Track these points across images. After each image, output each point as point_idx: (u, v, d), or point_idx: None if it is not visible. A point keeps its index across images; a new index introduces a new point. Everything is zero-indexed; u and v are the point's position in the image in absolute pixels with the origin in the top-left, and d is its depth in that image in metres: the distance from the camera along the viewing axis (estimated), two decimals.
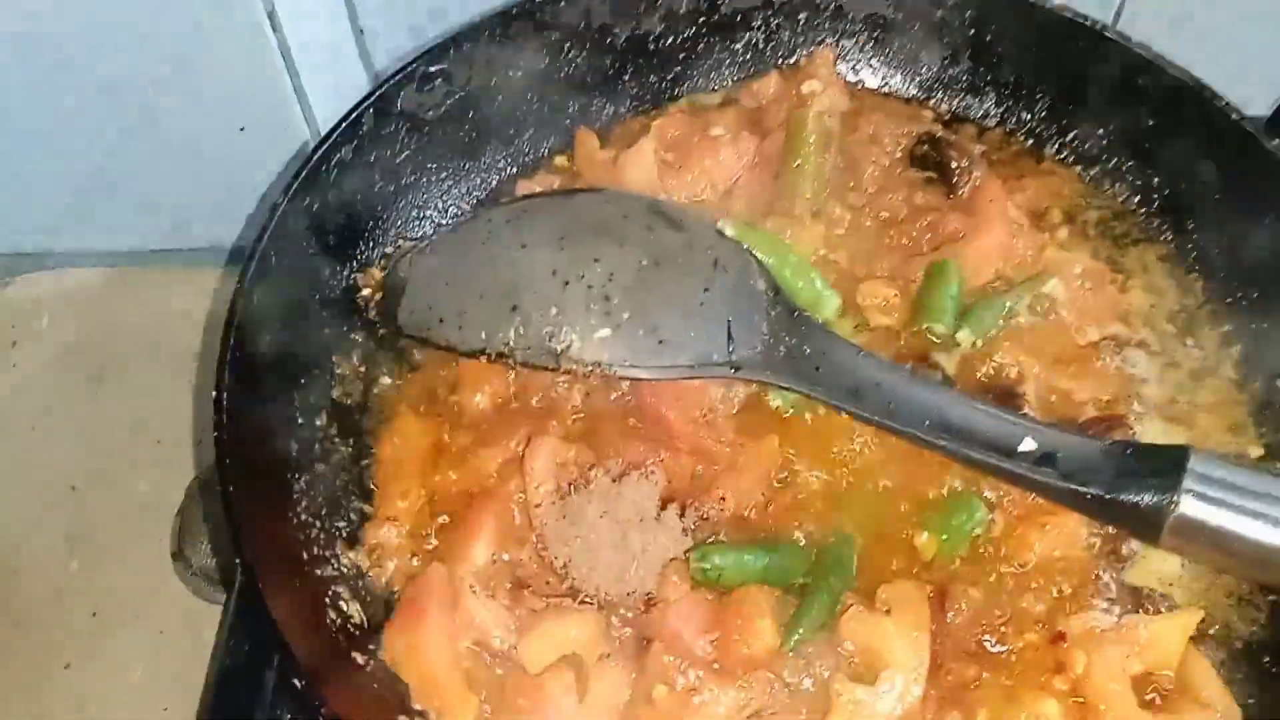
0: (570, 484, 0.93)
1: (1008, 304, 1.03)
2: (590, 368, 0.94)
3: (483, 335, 0.96)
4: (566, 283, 0.96)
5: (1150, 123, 1.11)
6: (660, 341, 0.94)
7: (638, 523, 0.91)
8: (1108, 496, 0.83)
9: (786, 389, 0.95)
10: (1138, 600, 0.88)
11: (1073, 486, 0.84)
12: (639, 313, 0.95)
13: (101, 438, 1.40)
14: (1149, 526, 0.81)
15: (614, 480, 0.93)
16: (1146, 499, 0.80)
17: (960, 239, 1.06)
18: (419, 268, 1.03)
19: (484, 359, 0.97)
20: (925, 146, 1.14)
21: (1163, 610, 0.87)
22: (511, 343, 0.95)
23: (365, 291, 1.07)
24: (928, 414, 0.91)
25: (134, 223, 1.48)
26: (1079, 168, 1.17)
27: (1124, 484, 0.82)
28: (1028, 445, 0.87)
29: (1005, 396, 0.97)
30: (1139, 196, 1.14)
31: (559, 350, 0.94)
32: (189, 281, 1.50)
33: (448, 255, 1.03)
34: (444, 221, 1.14)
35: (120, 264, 1.52)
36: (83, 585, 1.30)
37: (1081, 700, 0.84)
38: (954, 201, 1.10)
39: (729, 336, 0.95)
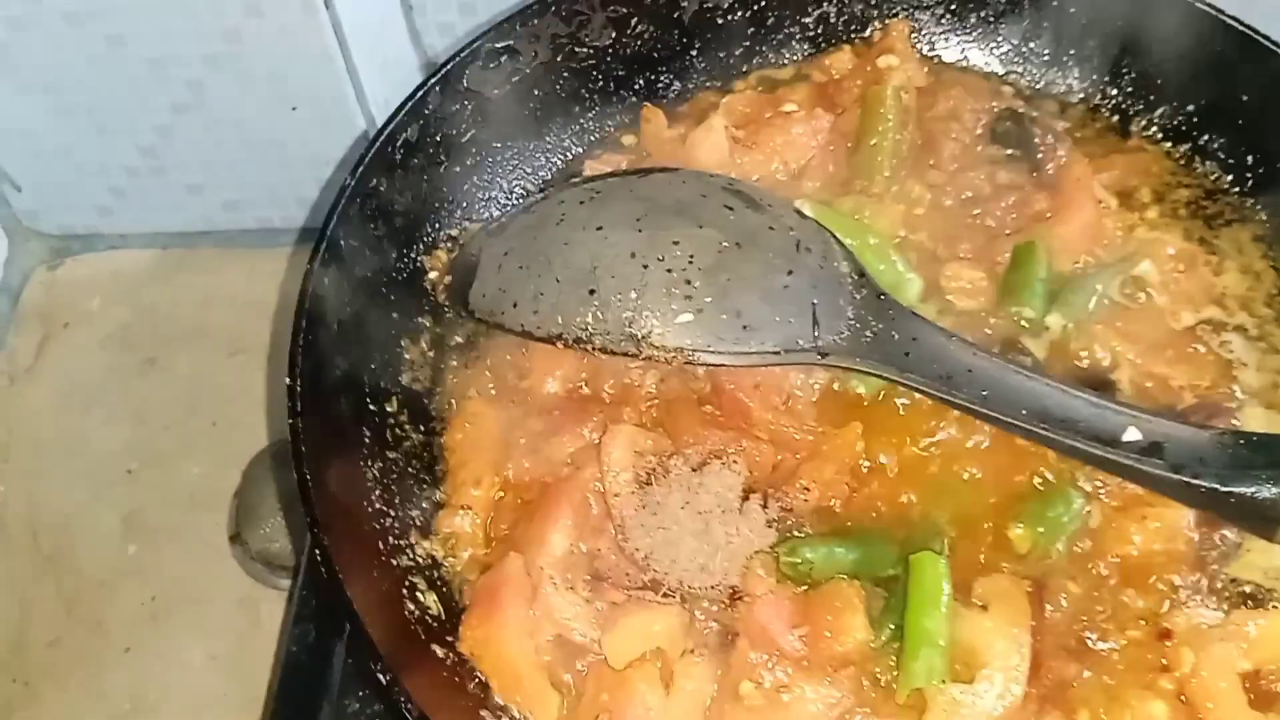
0: (649, 473, 0.91)
1: (1098, 287, 0.99)
2: (672, 354, 0.91)
3: (559, 320, 0.93)
4: (646, 266, 0.92)
5: (1243, 97, 1.06)
6: (744, 326, 0.91)
7: (720, 514, 0.88)
8: (1222, 490, 0.79)
9: (874, 375, 0.92)
10: (1244, 595, 0.85)
11: (1183, 479, 0.81)
12: (721, 296, 0.91)
13: (156, 420, 1.39)
14: (1266, 521, 0.78)
15: (694, 470, 0.91)
16: (1266, 492, 0.77)
17: (1046, 219, 1.02)
18: (490, 249, 1.00)
19: (560, 345, 0.94)
20: (1007, 123, 1.10)
21: (1270, 606, 0.84)
22: (590, 328, 0.92)
23: (432, 275, 1.04)
24: (1024, 401, 0.87)
25: (184, 204, 1.46)
26: (1168, 144, 1.12)
27: (1239, 476, 0.79)
28: (1132, 435, 0.83)
29: (1098, 383, 0.94)
30: (1232, 175, 1.09)
31: (640, 336, 0.91)
32: (240, 263, 1.48)
33: (520, 237, 0.99)
34: (510, 203, 1.11)
35: (171, 245, 1.50)
36: (140, 569, 1.30)
37: (1187, 700, 0.81)
38: (1038, 180, 1.06)
39: (814, 321, 0.91)
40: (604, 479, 0.90)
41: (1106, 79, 1.15)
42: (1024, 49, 1.18)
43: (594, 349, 0.93)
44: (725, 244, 0.93)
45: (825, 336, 0.92)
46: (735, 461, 0.91)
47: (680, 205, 0.97)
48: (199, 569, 1.29)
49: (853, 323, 0.92)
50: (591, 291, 0.93)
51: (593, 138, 1.16)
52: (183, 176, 1.43)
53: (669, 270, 0.92)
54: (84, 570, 1.30)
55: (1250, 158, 1.08)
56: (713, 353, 0.91)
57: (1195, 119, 1.11)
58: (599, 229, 0.96)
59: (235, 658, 1.24)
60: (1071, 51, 1.15)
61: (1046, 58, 1.17)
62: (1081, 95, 1.16)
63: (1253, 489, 0.78)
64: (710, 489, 0.89)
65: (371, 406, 0.95)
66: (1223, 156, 1.10)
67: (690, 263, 0.92)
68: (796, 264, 0.94)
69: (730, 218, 0.96)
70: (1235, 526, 0.86)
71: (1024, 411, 0.87)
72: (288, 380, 0.86)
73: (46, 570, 1.29)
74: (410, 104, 1.01)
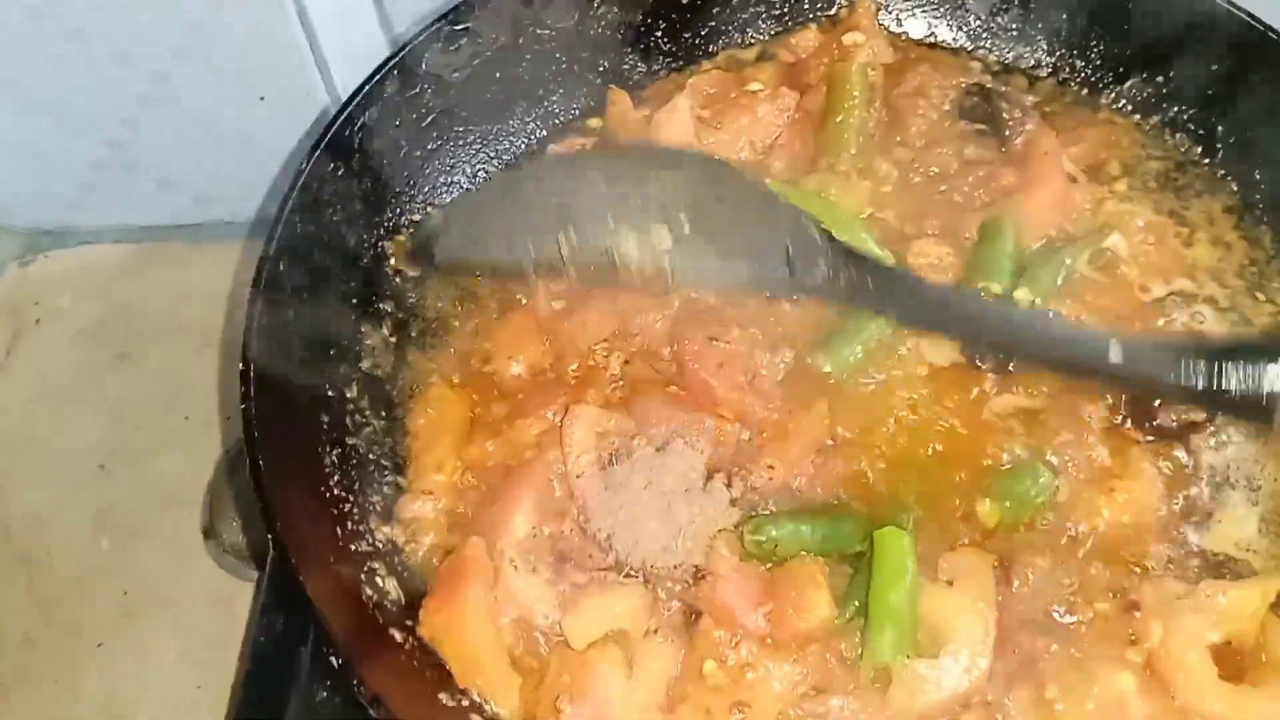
0: (611, 454, 0.90)
1: (1067, 260, 0.98)
2: (651, 273, 0.90)
3: (530, 249, 0.92)
4: (625, 195, 0.91)
5: (1213, 68, 1.05)
6: (721, 253, 0.90)
7: (683, 493, 0.87)
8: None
9: (858, 310, 0.93)
10: (1214, 567, 0.84)
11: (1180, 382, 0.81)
12: (699, 227, 0.90)
13: (128, 415, 1.38)
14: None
15: (657, 450, 0.90)
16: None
17: (1015, 194, 1.01)
18: (460, 209, 0.99)
19: (532, 273, 0.93)
20: (975, 98, 1.09)
21: (1241, 576, 0.83)
22: (565, 254, 0.90)
23: (393, 260, 1.03)
24: (1014, 330, 0.88)
25: (155, 198, 1.45)
26: (1137, 117, 1.11)
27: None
28: (1115, 355, 0.82)
29: None
30: (1201, 146, 1.08)
31: (616, 256, 0.90)
32: (212, 257, 1.47)
33: (491, 194, 0.99)
34: (473, 187, 1.10)
35: (142, 240, 1.49)
36: (113, 564, 1.28)
37: (1156, 672, 0.79)
38: (1006, 155, 1.05)
39: (788, 262, 0.90)
40: (566, 461, 0.89)
41: (1075, 53, 1.14)
42: (992, 23, 1.17)
43: (570, 273, 0.92)
44: (701, 191, 0.92)
45: (801, 279, 0.91)
46: (699, 441, 0.90)
47: (656, 160, 0.96)
48: (172, 565, 1.28)
49: (826, 272, 0.91)
50: (566, 222, 0.91)
51: (557, 121, 1.14)
52: (152, 170, 1.42)
53: (645, 202, 0.91)
54: (56, 568, 1.28)
55: (1220, 128, 1.07)
56: (694, 277, 0.91)
57: (1164, 91, 1.10)
58: (573, 175, 0.95)
59: (210, 653, 1.23)
60: (1040, 25, 1.14)
61: (1015, 32, 1.16)
62: (1050, 69, 1.15)
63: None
64: (673, 469, 0.88)
65: (330, 392, 0.94)
66: (1193, 128, 1.09)
67: (667, 199, 0.91)
68: (772, 215, 0.92)
69: (705, 171, 0.94)
70: (1233, 416, 0.86)
71: (1015, 339, 0.88)
72: (241, 366, 0.85)
73: (18, 568, 1.28)
74: (368, 87, 1.00)
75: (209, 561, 1.27)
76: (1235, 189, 1.06)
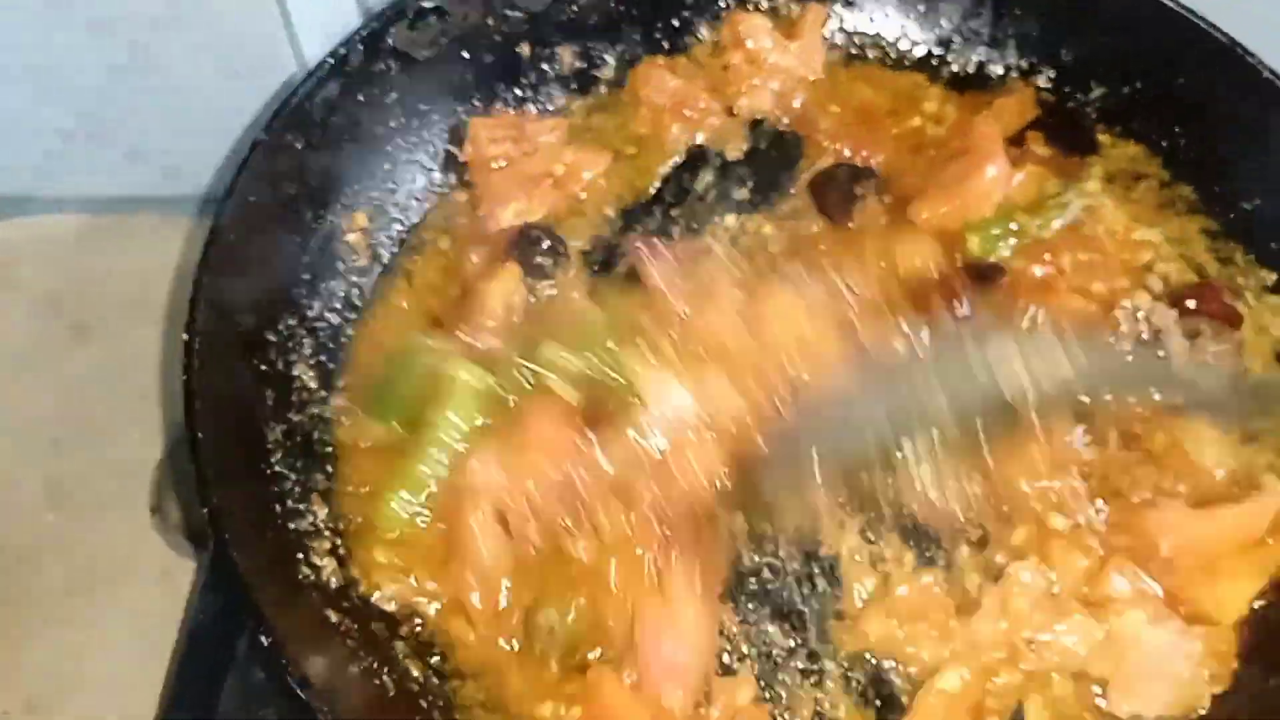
0: None
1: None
2: None
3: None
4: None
5: (1179, 81, 1.06)
6: None
7: None
8: None
9: None
10: None
11: None
12: None
13: (83, 391, 1.36)
14: None
15: None
16: None
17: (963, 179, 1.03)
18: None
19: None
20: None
21: None
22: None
23: (349, 238, 1.02)
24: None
25: (123, 169, 1.43)
26: (1101, 126, 1.11)
27: None
28: None
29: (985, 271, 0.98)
30: (1162, 159, 1.08)
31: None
32: (178, 231, 1.45)
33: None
34: (435, 167, 1.09)
35: (107, 211, 1.47)
36: (61, 539, 1.27)
37: None
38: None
39: None
40: None
41: (1042, 60, 1.14)
42: (963, 27, 1.16)
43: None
44: None
45: None
46: None
47: None
48: (122, 541, 1.26)
49: None
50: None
51: (527, 105, 1.13)
52: (121, 142, 1.40)
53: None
54: (3, 541, 1.27)
55: (1183, 142, 1.07)
56: None
57: (1130, 102, 1.09)
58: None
59: (156, 630, 1.20)
60: (1010, 30, 1.14)
61: (984, 37, 1.15)
62: (1019, 73, 1.15)
63: None
64: None
65: (277, 368, 0.93)
66: (1154, 139, 1.09)
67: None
68: None
69: None
70: None
71: None
72: (184, 336, 0.84)
73: None
74: (332, 61, 0.99)
75: (158, 539, 1.26)
76: (1193, 199, 1.06)
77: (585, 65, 1.14)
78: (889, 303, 0.95)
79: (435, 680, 0.85)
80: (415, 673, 0.84)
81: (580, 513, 0.85)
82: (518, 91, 1.13)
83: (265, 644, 0.75)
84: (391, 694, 0.82)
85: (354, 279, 1.02)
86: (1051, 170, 1.05)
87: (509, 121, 1.09)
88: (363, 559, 0.89)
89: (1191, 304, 0.97)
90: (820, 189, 1.07)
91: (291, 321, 0.96)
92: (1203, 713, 0.84)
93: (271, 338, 0.94)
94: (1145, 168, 1.08)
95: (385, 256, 1.05)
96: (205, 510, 0.79)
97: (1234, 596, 0.86)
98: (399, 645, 0.87)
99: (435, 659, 0.87)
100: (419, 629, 0.88)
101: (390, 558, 0.89)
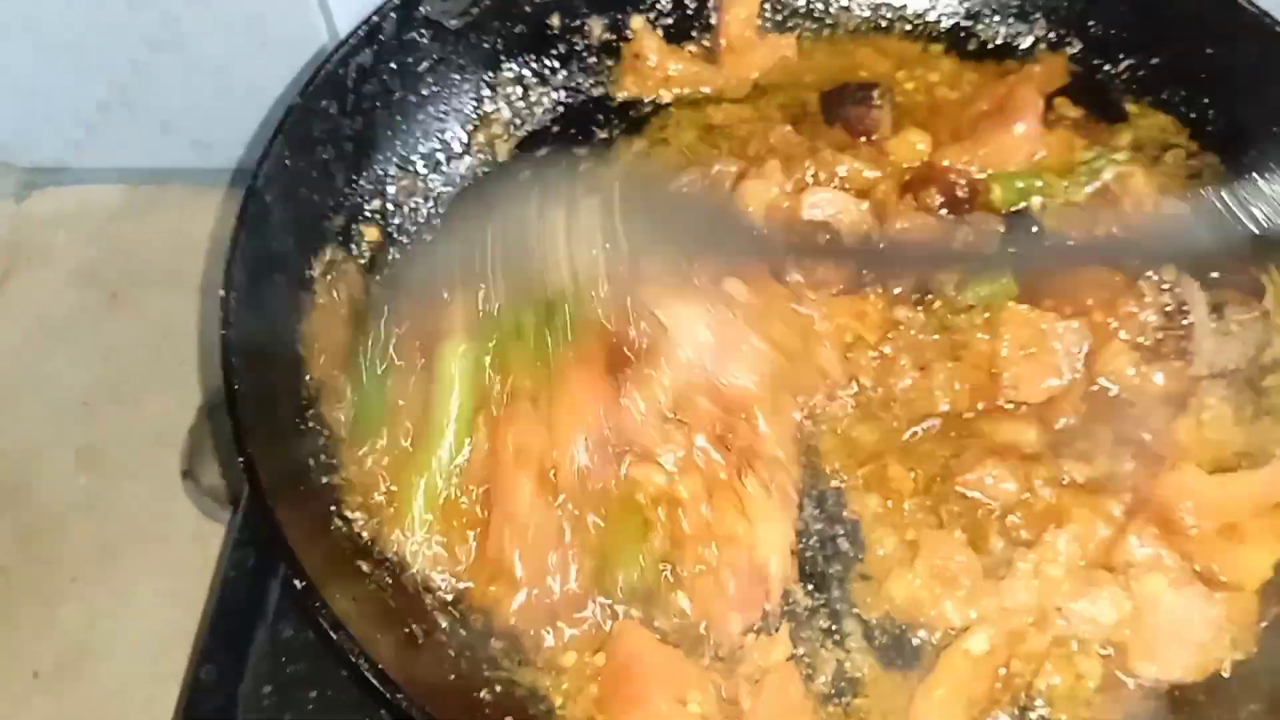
0: None
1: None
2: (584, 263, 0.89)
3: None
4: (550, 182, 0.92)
5: (1208, 52, 1.05)
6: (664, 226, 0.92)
7: None
8: None
9: None
10: None
11: None
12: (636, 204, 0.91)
13: (117, 356, 1.38)
14: None
15: None
16: None
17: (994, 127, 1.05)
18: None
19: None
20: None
21: None
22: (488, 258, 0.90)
23: (375, 204, 1.03)
24: None
25: (156, 141, 1.45)
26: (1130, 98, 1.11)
27: None
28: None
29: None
30: (1191, 129, 1.08)
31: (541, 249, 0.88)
32: (210, 202, 1.47)
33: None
34: (463, 136, 1.11)
35: (141, 182, 1.50)
36: (92, 501, 1.29)
37: None
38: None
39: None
40: None
41: (1071, 31, 1.14)
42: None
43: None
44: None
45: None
46: None
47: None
48: (152, 504, 1.28)
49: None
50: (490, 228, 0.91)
51: (556, 78, 1.15)
52: (155, 113, 1.42)
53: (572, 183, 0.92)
54: (35, 501, 1.29)
55: (1212, 113, 1.07)
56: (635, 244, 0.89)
57: (1160, 74, 1.09)
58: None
59: (186, 593, 1.23)
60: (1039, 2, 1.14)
61: (1014, 9, 1.16)
62: (1047, 46, 1.15)
63: None
64: None
65: (308, 324, 0.95)
66: (1184, 110, 1.08)
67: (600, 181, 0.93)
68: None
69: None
70: None
71: None
72: (222, 291, 0.85)
73: (2, 504, 1.29)
74: (365, 29, 1.00)
75: (188, 503, 1.28)
76: (1221, 170, 1.05)
77: (614, 36, 1.15)
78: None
79: (463, 632, 0.86)
80: (444, 624, 0.85)
81: (636, 452, 0.85)
82: (548, 62, 1.14)
83: (298, 587, 0.77)
84: (420, 642, 0.83)
85: (383, 242, 1.03)
86: (1081, 135, 1.06)
87: None
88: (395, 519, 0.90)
89: (1216, 275, 0.96)
90: (833, 101, 1.09)
91: (324, 278, 0.98)
92: (1225, 675, 0.84)
93: (303, 294, 0.95)
94: (1174, 138, 1.08)
95: (411, 227, 1.06)
96: (240, 460, 0.80)
97: (1256, 562, 0.86)
98: (429, 599, 0.88)
99: (464, 614, 0.88)
100: (451, 587, 0.88)
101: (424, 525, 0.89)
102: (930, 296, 0.98)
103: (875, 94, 1.07)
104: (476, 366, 0.88)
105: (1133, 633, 0.85)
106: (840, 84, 1.10)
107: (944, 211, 1.01)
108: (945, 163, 1.04)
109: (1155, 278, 0.98)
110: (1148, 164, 1.05)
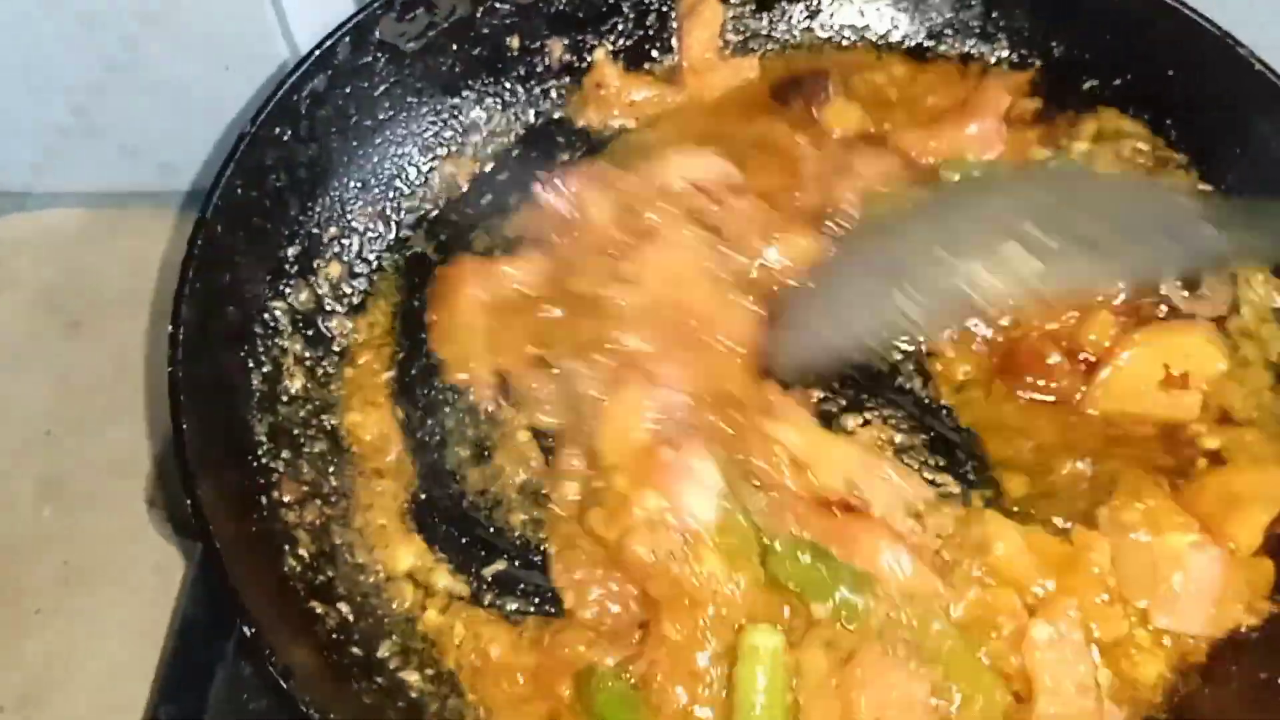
0: None
1: None
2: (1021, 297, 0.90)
3: (871, 322, 0.91)
4: (954, 230, 0.91)
5: (1169, 73, 1.05)
6: (1095, 252, 0.90)
7: None
8: None
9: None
10: None
11: None
12: (1057, 232, 0.89)
13: (79, 384, 1.36)
14: None
15: None
16: None
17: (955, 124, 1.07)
18: (794, 317, 0.95)
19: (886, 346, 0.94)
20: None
21: None
22: (909, 313, 0.89)
23: (332, 230, 1.02)
24: None
25: (118, 164, 1.43)
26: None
27: None
28: None
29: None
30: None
31: (971, 292, 0.88)
32: (172, 226, 1.45)
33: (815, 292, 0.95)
34: (424, 160, 1.09)
35: (103, 206, 1.48)
36: (55, 532, 1.27)
37: None
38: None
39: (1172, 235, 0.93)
40: None
41: (1034, 51, 1.13)
42: (956, 20, 1.16)
43: (922, 328, 0.92)
44: (1046, 199, 0.92)
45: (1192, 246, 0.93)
46: None
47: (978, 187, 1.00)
48: (116, 534, 1.26)
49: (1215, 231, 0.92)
50: (900, 281, 0.90)
51: (514, 99, 1.13)
52: (116, 136, 1.40)
53: (981, 227, 0.91)
54: None
55: (1174, 133, 1.06)
56: (1067, 279, 0.91)
57: (1124, 94, 1.09)
58: (889, 235, 0.95)
59: (150, 623, 1.21)
60: (1001, 23, 1.13)
61: (976, 29, 1.15)
62: (1010, 66, 1.14)
63: None
64: None
65: (263, 362, 0.94)
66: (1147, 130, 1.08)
67: (1006, 219, 0.90)
68: (1136, 197, 0.96)
69: (1046, 181, 0.98)
70: None
71: None
72: (170, 328, 0.84)
73: None
74: (319, 53, 0.99)
75: (153, 533, 1.26)
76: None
77: (574, 58, 1.14)
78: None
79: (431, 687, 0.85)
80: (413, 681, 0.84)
81: None
82: (506, 84, 1.13)
83: (248, 634, 0.75)
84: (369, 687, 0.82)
85: (342, 271, 1.02)
86: (1040, 142, 1.07)
87: None
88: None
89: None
90: (784, 91, 1.11)
91: (278, 313, 0.96)
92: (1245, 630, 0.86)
93: (259, 330, 0.94)
94: (1136, 132, 1.08)
95: (371, 254, 1.05)
96: (190, 503, 0.79)
97: (1250, 524, 0.87)
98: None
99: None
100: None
101: None
102: None
103: (829, 81, 1.09)
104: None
105: (1153, 588, 0.86)
106: (793, 74, 1.12)
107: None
108: (903, 145, 1.05)
109: None
110: (1110, 156, 1.06)
